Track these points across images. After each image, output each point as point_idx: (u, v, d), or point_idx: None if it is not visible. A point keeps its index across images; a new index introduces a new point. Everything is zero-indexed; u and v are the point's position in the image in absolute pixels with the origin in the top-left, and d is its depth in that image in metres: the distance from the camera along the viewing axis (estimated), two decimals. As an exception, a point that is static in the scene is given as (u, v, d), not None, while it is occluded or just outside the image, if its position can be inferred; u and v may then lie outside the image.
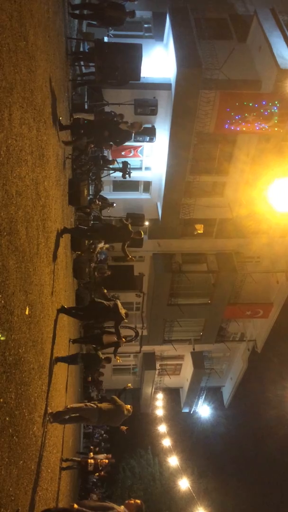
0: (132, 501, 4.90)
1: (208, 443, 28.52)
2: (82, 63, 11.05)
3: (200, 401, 27.39)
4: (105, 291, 9.92)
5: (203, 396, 27.28)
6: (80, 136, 9.12)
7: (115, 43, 10.99)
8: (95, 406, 6.97)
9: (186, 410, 28.22)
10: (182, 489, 15.71)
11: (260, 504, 25.69)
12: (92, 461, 11.98)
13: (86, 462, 11.77)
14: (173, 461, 17.26)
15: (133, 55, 9.39)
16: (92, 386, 18.35)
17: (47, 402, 5.70)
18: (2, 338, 3.27)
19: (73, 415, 6.96)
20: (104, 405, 7.10)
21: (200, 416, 27.74)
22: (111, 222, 10.92)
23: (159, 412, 21.48)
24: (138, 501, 4.92)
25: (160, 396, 24.01)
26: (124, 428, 8.82)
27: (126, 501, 4.95)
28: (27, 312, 4.29)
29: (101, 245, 13.01)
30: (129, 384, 10.82)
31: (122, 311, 8.50)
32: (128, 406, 7.31)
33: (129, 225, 9.26)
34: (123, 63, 9.07)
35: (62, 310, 7.43)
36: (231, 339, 23.88)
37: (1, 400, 3.30)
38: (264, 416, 24.07)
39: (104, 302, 8.58)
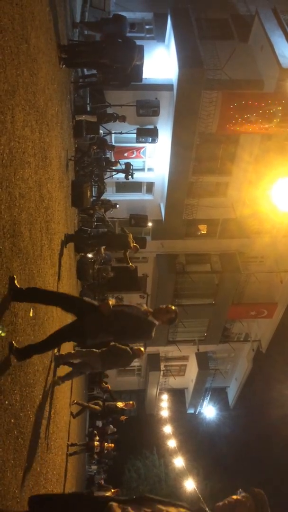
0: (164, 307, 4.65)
1: (214, 444, 28.46)
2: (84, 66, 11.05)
3: (205, 402, 27.35)
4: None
5: (208, 397, 27.24)
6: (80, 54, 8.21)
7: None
8: (98, 351, 6.99)
9: (191, 411, 28.18)
10: (188, 490, 15.71)
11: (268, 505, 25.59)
12: (97, 443, 12.03)
13: (92, 445, 11.85)
14: (179, 462, 17.26)
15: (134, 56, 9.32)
16: (97, 388, 18.34)
17: (51, 404, 5.70)
18: (2, 334, 3.27)
19: (77, 361, 7.09)
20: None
21: (205, 417, 27.70)
22: (113, 230, 10.85)
23: (164, 413, 21.48)
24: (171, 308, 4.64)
25: (165, 397, 23.99)
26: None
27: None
28: (31, 314, 4.30)
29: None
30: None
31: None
32: (137, 347, 7.20)
33: (130, 235, 9.30)
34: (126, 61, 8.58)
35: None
36: (236, 339, 23.82)
37: (6, 402, 3.31)
38: (270, 416, 23.98)
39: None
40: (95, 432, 14.11)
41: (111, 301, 4.61)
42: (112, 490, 11.59)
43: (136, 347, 7.15)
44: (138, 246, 9.64)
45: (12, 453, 3.42)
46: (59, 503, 2.20)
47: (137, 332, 4.65)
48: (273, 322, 21.19)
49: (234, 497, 2.23)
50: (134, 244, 9.47)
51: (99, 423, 16.59)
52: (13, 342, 3.57)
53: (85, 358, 7.05)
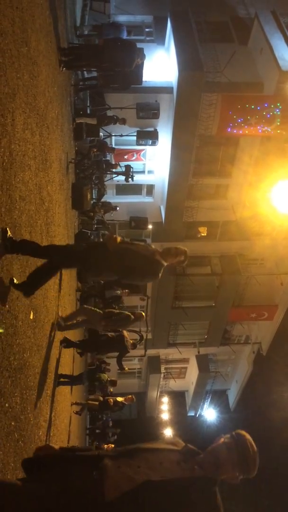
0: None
1: (215, 447, 28.33)
2: (84, 68, 11.08)
3: (206, 404, 27.29)
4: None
5: (209, 399, 27.18)
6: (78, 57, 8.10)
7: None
8: (101, 312, 7.03)
9: (191, 413, 28.12)
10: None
11: (267, 508, 25.53)
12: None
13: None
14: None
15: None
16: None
17: (51, 407, 5.70)
18: (0, 331, 3.26)
19: (80, 318, 7.08)
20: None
21: (206, 420, 27.63)
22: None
23: (165, 415, 21.44)
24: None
25: (165, 399, 23.96)
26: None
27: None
28: (31, 317, 4.30)
29: None
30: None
31: (129, 342, 8.04)
32: (139, 312, 7.23)
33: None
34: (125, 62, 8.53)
35: (65, 342, 7.30)
36: (236, 341, 23.79)
37: (7, 405, 3.30)
38: (270, 418, 23.92)
39: (108, 334, 8.15)
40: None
41: (118, 238, 4.34)
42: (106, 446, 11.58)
43: (138, 312, 7.22)
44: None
45: (13, 456, 3.41)
46: (53, 461, 2.24)
47: (144, 272, 4.36)
48: (273, 324, 21.17)
49: (218, 443, 2.25)
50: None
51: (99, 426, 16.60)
52: (8, 229, 3.49)
53: (88, 317, 7.10)
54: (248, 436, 2.27)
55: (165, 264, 4.35)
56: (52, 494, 2.03)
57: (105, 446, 13.41)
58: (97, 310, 7.15)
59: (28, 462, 2.34)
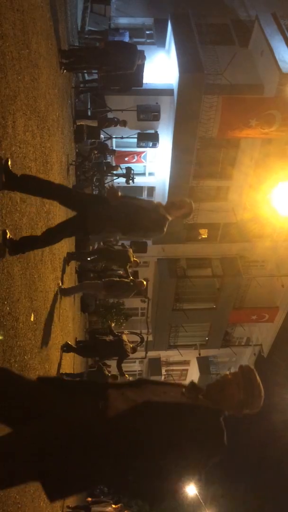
0: None
1: (215, 449, 28.24)
2: (84, 70, 11.10)
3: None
4: (113, 324, 9.71)
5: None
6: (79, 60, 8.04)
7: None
8: (101, 282, 7.07)
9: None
10: (190, 496, 15.63)
11: (270, 511, 25.46)
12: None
13: None
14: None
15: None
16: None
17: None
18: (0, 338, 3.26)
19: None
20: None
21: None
22: (112, 246, 10.80)
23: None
24: None
25: (166, 401, 23.89)
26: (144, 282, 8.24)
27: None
28: (32, 319, 4.29)
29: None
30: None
31: (128, 346, 8.00)
32: (139, 280, 7.23)
33: (130, 250, 9.30)
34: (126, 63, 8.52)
35: (66, 347, 7.32)
36: (237, 343, 23.75)
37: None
38: (271, 421, 23.87)
39: (106, 338, 8.17)
40: None
41: (119, 192, 4.14)
42: (114, 506, 11.38)
43: (138, 280, 7.24)
44: (138, 261, 9.54)
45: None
46: (61, 384, 2.32)
47: (148, 226, 4.13)
48: (274, 327, 21.14)
49: (225, 374, 2.30)
50: (134, 258, 9.34)
51: None
52: (7, 230, 3.39)
53: (89, 290, 7.17)
54: (254, 372, 2.29)
55: (170, 218, 4.16)
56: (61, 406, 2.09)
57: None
58: (97, 281, 7.21)
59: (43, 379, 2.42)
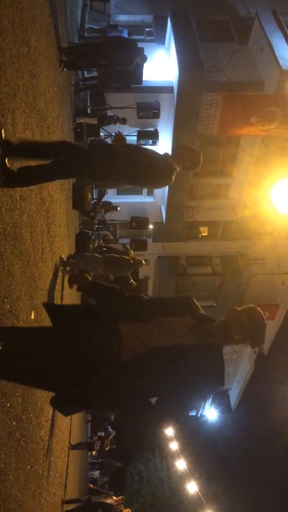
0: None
1: (216, 446, 28.39)
2: (84, 68, 11.08)
3: (207, 404, 27.27)
4: None
5: (210, 399, 27.17)
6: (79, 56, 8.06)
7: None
8: (101, 257, 7.11)
9: (193, 413, 28.11)
10: (191, 493, 15.65)
11: (270, 508, 25.51)
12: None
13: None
14: (181, 464, 17.19)
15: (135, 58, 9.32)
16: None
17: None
18: None
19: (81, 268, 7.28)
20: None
21: (207, 419, 27.63)
22: (113, 249, 10.80)
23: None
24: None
25: (167, 399, 23.87)
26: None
27: None
28: (32, 317, 4.29)
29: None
30: None
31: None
32: (138, 259, 7.25)
33: (131, 251, 9.28)
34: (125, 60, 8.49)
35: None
36: (238, 341, 23.74)
37: (8, 404, 3.30)
38: (272, 418, 23.93)
39: None
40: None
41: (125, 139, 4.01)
42: (115, 498, 11.50)
43: (137, 258, 7.29)
44: (143, 262, 9.50)
45: (14, 455, 3.41)
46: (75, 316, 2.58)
47: (155, 174, 4.00)
48: (275, 324, 21.13)
49: (229, 313, 2.48)
50: (139, 258, 9.21)
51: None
52: (6, 162, 3.34)
53: (89, 262, 7.22)
54: (261, 316, 2.45)
55: (178, 169, 4.02)
56: (73, 345, 2.32)
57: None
58: (97, 255, 7.28)
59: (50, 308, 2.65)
